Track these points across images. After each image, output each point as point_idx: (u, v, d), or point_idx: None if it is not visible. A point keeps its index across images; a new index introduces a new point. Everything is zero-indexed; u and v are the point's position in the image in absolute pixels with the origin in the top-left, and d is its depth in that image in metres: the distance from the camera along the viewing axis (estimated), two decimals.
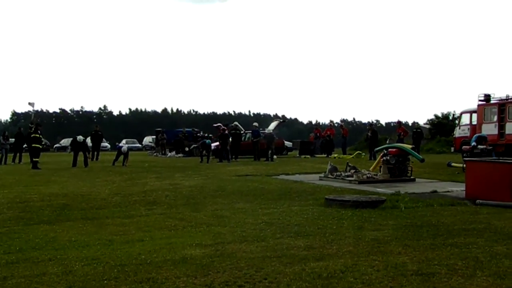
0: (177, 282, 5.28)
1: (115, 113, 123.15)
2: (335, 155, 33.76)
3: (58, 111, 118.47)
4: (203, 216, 9.76)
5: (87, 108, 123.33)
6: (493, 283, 5.19)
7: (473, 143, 19.50)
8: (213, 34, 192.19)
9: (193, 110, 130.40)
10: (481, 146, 20.53)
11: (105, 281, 5.33)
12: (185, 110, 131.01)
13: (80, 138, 25.62)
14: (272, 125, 38.76)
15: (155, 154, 41.89)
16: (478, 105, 25.73)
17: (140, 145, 64.14)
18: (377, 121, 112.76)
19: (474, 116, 26.66)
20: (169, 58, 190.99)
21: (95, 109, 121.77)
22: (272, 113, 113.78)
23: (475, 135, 21.05)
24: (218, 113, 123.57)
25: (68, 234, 8.10)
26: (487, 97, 25.26)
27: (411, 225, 8.53)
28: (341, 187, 14.73)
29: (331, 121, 42.51)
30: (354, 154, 34.48)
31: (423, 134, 36.04)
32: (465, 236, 7.58)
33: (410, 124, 47.11)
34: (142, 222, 9.21)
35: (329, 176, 17.28)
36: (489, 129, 24.14)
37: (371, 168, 18.77)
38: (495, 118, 24.38)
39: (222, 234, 7.88)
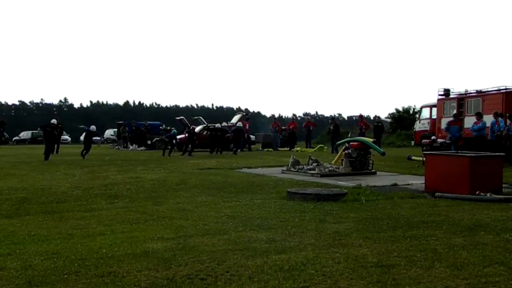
0: (138, 275, 5.25)
1: (76, 105, 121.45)
2: (298, 149, 33.92)
3: (17, 103, 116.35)
4: (165, 209, 9.71)
5: (47, 100, 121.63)
6: (450, 274, 5.29)
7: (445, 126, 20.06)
8: (175, 26, 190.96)
9: (156, 103, 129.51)
10: (441, 140, 20.95)
11: (66, 276, 5.27)
12: (147, 103, 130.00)
13: (93, 128, 26.01)
14: (235, 118, 38.66)
15: (116, 147, 41.40)
16: (438, 100, 26.12)
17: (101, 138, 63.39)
18: (339, 114, 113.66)
19: (434, 110, 27.06)
20: (132, 50, 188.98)
21: (55, 102, 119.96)
22: (235, 107, 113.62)
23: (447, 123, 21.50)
24: (180, 106, 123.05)
25: (27, 228, 7.97)
26: (447, 92, 25.65)
27: (371, 217, 8.65)
28: (303, 180, 14.82)
29: (294, 115, 42.62)
30: (317, 148, 34.70)
31: (384, 128, 36.47)
32: (424, 228, 7.72)
33: (371, 118, 47.61)
34: (103, 215, 9.11)
35: (292, 169, 17.36)
36: None
37: (333, 161, 18.91)
38: (454, 112, 24.79)
39: (184, 227, 7.86)
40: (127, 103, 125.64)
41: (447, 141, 21.11)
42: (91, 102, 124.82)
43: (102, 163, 22.05)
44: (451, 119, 22.27)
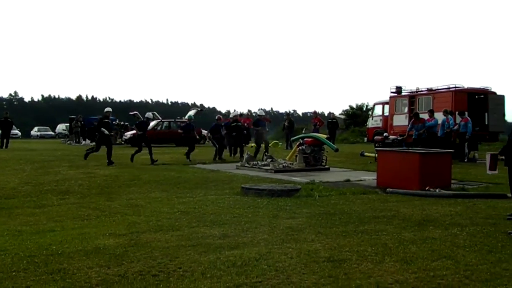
0: (89, 272, 5.18)
1: (27, 99, 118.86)
2: (252, 144, 33.92)
3: None
4: (117, 205, 9.62)
5: None
6: (400, 268, 5.40)
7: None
8: (129, 19, 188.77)
9: (109, 98, 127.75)
10: (393, 137, 21.28)
11: (14, 273, 5.17)
12: (100, 97, 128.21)
13: (149, 115, 21.90)
14: (190, 114, 38.36)
15: (68, 142, 40.69)
16: (390, 97, 26.44)
17: (53, 133, 62.22)
18: (294, 111, 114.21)
19: (387, 107, 27.42)
20: (84, 43, 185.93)
21: (5, 95, 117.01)
22: (190, 102, 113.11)
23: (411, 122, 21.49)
24: (135, 101, 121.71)
25: None
26: (399, 89, 25.99)
27: (324, 213, 8.74)
28: (257, 176, 14.87)
29: (249, 111, 42.64)
30: (271, 144, 34.80)
31: (339, 125, 36.81)
32: (375, 224, 7.86)
33: (326, 115, 47.99)
34: (53, 212, 8.97)
35: (246, 165, 17.41)
36: (400, 120, 24.92)
37: (287, 157, 19.02)
38: (406, 110, 25.19)
39: (137, 223, 7.80)
40: (79, 97, 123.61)
41: (399, 138, 21.45)
42: (42, 96, 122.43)
43: (54, 158, 21.64)
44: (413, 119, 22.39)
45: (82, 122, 38.68)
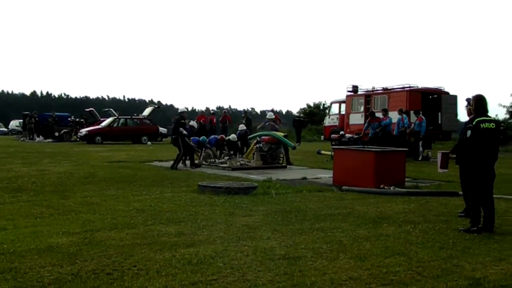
0: (41, 271, 5.09)
1: None
2: None
3: None
4: (71, 203, 9.45)
5: None
6: (354, 265, 5.48)
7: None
8: (85, 14, 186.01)
9: (64, 94, 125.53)
10: (349, 135, 21.52)
11: None
12: (55, 93, 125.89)
13: (193, 123, 19.81)
14: (147, 111, 38.05)
15: (22, 139, 39.83)
16: (347, 96, 26.76)
17: (6, 129, 60.88)
18: (252, 109, 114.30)
19: (343, 106, 27.71)
20: (39, 38, 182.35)
21: None
22: (147, 99, 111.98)
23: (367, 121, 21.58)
24: (91, 97, 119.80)
25: None
26: (355, 88, 26.29)
27: (280, 210, 8.79)
28: (214, 173, 14.85)
29: (207, 108, 42.47)
30: None
31: (304, 123, 36.96)
32: (331, 221, 7.93)
33: (283, 113, 48.37)
34: (5, 210, 8.76)
35: (203, 162, 17.36)
36: (356, 118, 25.25)
37: (245, 155, 19.04)
38: (362, 109, 25.49)
39: (91, 221, 7.69)
40: (34, 93, 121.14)
41: (355, 137, 21.72)
42: None
43: (6, 155, 21.11)
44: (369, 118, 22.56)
45: (37, 119, 37.88)
